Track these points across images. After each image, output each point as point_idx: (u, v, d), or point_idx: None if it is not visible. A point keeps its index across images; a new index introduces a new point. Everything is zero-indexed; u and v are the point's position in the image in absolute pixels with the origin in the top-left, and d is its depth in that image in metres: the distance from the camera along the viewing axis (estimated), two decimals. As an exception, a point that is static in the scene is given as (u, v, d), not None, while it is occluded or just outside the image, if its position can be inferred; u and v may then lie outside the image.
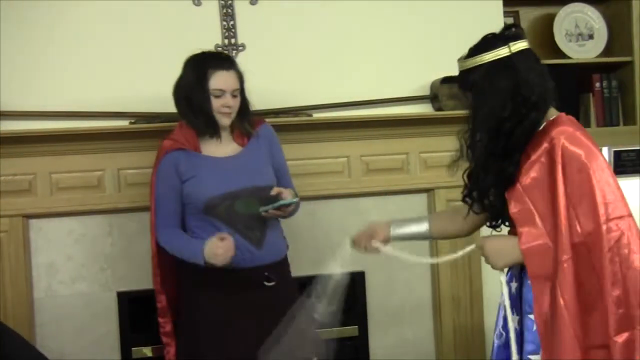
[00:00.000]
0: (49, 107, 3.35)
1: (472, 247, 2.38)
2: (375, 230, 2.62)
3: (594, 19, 4.18)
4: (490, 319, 3.75)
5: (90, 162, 3.40)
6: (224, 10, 3.53)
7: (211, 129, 2.87)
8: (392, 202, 3.70)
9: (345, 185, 3.62)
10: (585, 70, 4.15)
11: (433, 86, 3.65)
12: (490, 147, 2.18)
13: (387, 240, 2.61)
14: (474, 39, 3.80)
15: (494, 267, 2.29)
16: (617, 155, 4.38)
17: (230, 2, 3.53)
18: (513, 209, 2.18)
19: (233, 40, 3.53)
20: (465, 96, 2.29)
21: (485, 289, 3.74)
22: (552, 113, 2.24)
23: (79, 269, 3.46)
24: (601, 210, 2.07)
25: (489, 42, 2.22)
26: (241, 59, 3.52)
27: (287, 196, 2.81)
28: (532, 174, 2.16)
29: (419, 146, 3.67)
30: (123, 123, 3.39)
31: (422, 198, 3.74)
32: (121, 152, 3.40)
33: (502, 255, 2.25)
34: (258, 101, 3.48)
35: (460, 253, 2.43)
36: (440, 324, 3.72)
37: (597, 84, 4.15)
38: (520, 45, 2.19)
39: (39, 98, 3.36)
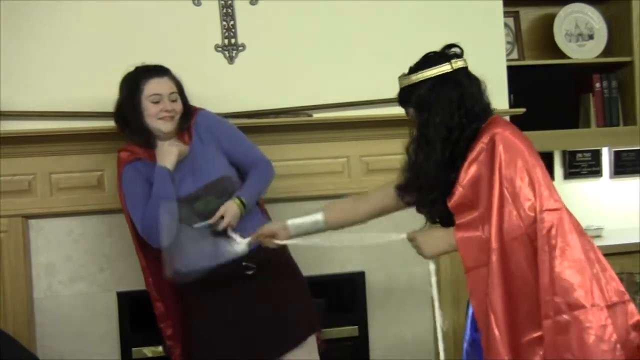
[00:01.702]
0: (49, 107, 3.35)
1: (403, 235, 2.52)
2: (273, 230, 2.70)
3: (594, 19, 4.18)
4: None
5: (90, 162, 3.40)
6: (224, 10, 3.52)
7: (147, 142, 2.90)
8: (392, 202, 3.70)
9: (345, 186, 3.61)
10: (585, 71, 4.15)
11: (433, 86, 3.64)
12: (440, 158, 2.28)
13: (288, 237, 2.69)
14: (475, 39, 3.83)
15: (425, 255, 2.44)
16: (617, 155, 4.39)
17: (230, 2, 3.52)
18: (451, 202, 2.29)
19: (233, 41, 3.53)
20: (407, 112, 2.42)
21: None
22: None
23: (79, 269, 3.46)
24: (537, 202, 2.17)
25: (431, 59, 2.39)
26: (241, 59, 3.53)
27: (227, 216, 2.81)
28: (470, 172, 2.26)
29: (419, 146, 3.66)
30: (123, 123, 3.38)
31: (422, 198, 3.74)
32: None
33: (434, 244, 2.41)
34: (257, 101, 3.50)
35: (387, 239, 2.51)
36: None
37: (597, 84, 4.15)
38: (460, 63, 2.36)
39: (38, 98, 3.36)
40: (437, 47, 3.65)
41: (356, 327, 3.69)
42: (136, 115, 2.85)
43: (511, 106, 3.77)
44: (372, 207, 2.67)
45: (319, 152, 3.58)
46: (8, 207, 3.34)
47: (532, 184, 2.19)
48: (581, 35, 4.16)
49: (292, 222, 2.69)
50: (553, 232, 2.16)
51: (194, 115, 2.98)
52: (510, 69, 3.80)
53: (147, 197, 2.86)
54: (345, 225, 2.70)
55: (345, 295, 3.74)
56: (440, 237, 2.41)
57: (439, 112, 2.27)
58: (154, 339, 3.52)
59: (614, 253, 3.78)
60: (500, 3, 3.77)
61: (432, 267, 2.49)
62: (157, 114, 2.84)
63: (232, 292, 2.87)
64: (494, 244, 2.19)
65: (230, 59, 3.53)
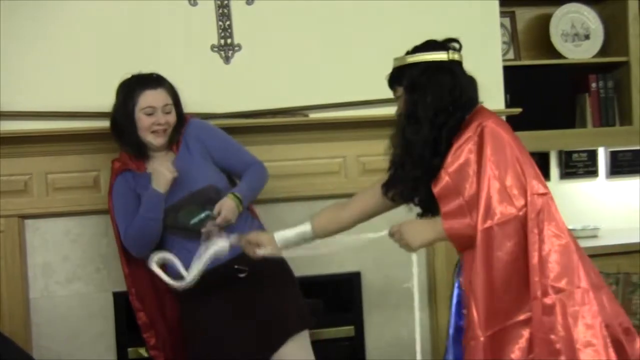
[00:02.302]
0: (45, 107, 3.35)
1: (384, 232, 2.53)
2: (260, 240, 2.69)
3: (590, 19, 4.18)
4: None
5: (86, 162, 3.40)
6: (220, 11, 3.52)
7: (139, 153, 2.92)
8: (388, 202, 3.70)
9: (342, 186, 3.62)
10: (581, 71, 4.16)
11: (429, 86, 3.65)
12: (426, 137, 2.34)
13: (274, 248, 2.68)
14: (471, 39, 3.81)
15: (410, 247, 2.44)
16: (613, 155, 4.39)
17: (226, 2, 3.52)
18: (436, 188, 2.32)
19: (229, 41, 3.53)
20: (395, 92, 2.50)
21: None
22: None
23: (75, 269, 3.46)
24: (527, 186, 2.24)
25: (430, 45, 2.47)
26: (237, 59, 3.53)
27: (229, 216, 2.81)
28: (457, 158, 2.30)
29: (415, 146, 3.66)
30: (119, 123, 3.38)
31: (419, 198, 3.74)
32: (117, 153, 3.39)
33: (419, 232, 2.42)
34: (254, 101, 3.50)
35: (369, 236, 2.53)
36: (437, 323, 3.72)
37: (594, 84, 4.16)
38: (457, 56, 2.46)
39: (35, 98, 3.35)
40: (433, 47, 3.69)
41: (352, 327, 3.69)
42: (129, 127, 2.86)
43: (507, 106, 3.78)
44: (359, 211, 2.70)
45: (315, 153, 3.58)
46: (4, 207, 3.34)
47: (521, 170, 2.25)
48: (577, 36, 4.17)
49: (279, 235, 2.69)
50: (542, 215, 2.23)
51: (184, 126, 2.99)
52: (507, 69, 3.81)
53: (133, 209, 2.89)
54: (334, 233, 2.71)
55: (341, 296, 3.74)
56: (426, 225, 2.44)
57: (430, 94, 2.35)
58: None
59: (610, 253, 3.80)
60: (497, 3, 3.78)
61: (414, 257, 2.51)
62: (150, 127, 2.85)
63: (225, 295, 2.87)
64: (480, 225, 2.23)
65: (227, 59, 3.53)
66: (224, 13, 3.53)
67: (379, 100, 3.61)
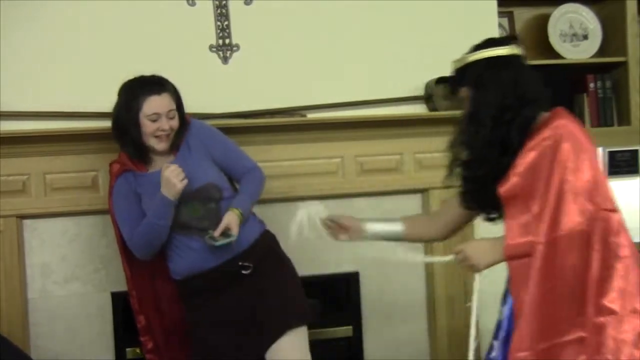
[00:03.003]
0: (43, 107, 3.35)
1: (449, 257, 2.47)
2: (349, 225, 2.68)
3: (588, 19, 4.18)
4: (485, 319, 3.76)
5: (84, 162, 3.40)
6: (218, 11, 3.53)
7: (141, 156, 2.91)
8: (386, 203, 3.71)
9: (340, 186, 3.62)
10: (579, 71, 4.15)
11: (427, 86, 3.65)
12: (489, 136, 2.26)
13: (358, 236, 2.67)
14: (469, 39, 3.81)
15: (476, 268, 2.36)
16: (612, 155, 4.38)
17: (224, 2, 3.52)
18: (503, 189, 2.25)
19: (227, 41, 3.53)
20: (459, 92, 2.40)
21: (481, 289, 3.74)
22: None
23: (73, 269, 3.46)
24: (599, 200, 2.15)
25: (490, 42, 2.39)
26: (235, 59, 3.53)
27: (233, 227, 2.79)
28: (527, 160, 2.22)
29: (413, 146, 3.67)
30: (117, 123, 3.38)
31: (417, 198, 3.75)
32: (115, 153, 3.37)
33: (485, 256, 2.34)
34: (251, 101, 3.50)
35: (435, 259, 2.49)
36: (435, 324, 3.72)
37: (592, 85, 4.15)
38: (518, 50, 2.36)
39: (33, 98, 3.36)
40: (431, 47, 3.70)
41: (350, 327, 3.69)
42: (132, 130, 2.84)
43: (505, 106, 3.77)
44: (445, 222, 2.66)
45: (313, 153, 3.58)
46: (2, 207, 3.34)
47: (595, 183, 2.17)
48: (575, 36, 4.17)
49: (371, 227, 2.69)
50: (608, 232, 2.15)
51: (187, 127, 2.98)
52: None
53: (136, 211, 2.88)
54: (421, 241, 2.70)
55: (339, 296, 3.74)
56: (491, 246, 2.35)
57: (492, 91, 2.28)
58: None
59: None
60: (495, 3, 3.78)
61: (477, 277, 2.43)
62: (154, 132, 2.83)
63: (230, 292, 2.88)
64: (545, 237, 2.16)
65: (225, 59, 3.53)
66: (222, 13, 3.53)
67: (377, 101, 3.62)
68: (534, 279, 2.16)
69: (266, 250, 2.98)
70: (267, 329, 2.86)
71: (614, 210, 2.19)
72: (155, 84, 2.87)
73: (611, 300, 2.12)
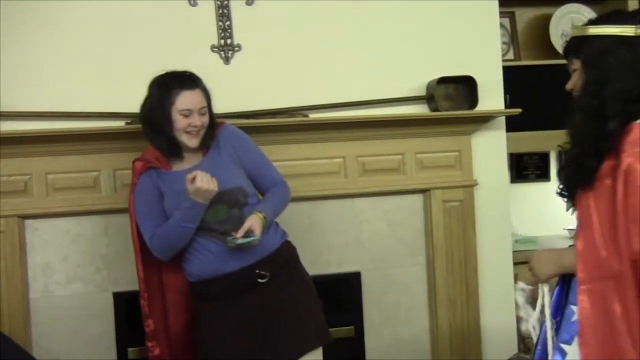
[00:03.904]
0: (45, 107, 3.35)
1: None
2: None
3: (590, 19, 4.18)
4: (486, 319, 3.76)
5: (86, 162, 3.40)
6: (220, 11, 3.53)
7: (173, 151, 2.88)
8: (388, 203, 3.71)
9: (341, 186, 3.62)
10: (581, 71, 4.14)
11: (429, 87, 3.65)
12: (604, 131, 2.09)
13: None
14: (470, 39, 3.83)
15: (538, 277, 2.27)
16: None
17: (226, 2, 3.53)
18: (578, 213, 2.15)
19: (229, 41, 3.53)
20: (571, 63, 2.24)
21: (482, 289, 3.75)
22: None
23: (75, 269, 3.46)
24: None
25: (618, 16, 2.14)
26: (237, 60, 3.53)
27: (256, 229, 2.75)
28: (606, 181, 2.07)
29: (415, 146, 3.67)
30: (119, 124, 3.38)
31: (418, 198, 3.75)
32: (117, 153, 3.40)
33: (547, 265, 2.25)
34: (253, 102, 3.50)
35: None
36: (436, 323, 3.72)
37: (593, 85, 4.14)
38: None
39: (34, 98, 3.36)
40: (432, 47, 3.70)
41: (352, 327, 3.69)
42: (165, 125, 2.81)
43: (507, 106, 3.78)
44: None
45: (315, 153, 3.58)
46: (4, 208, 3.34)
47: None
48: (577, 36, 4.16)
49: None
50: None
51: (217, 130, 2.95)
52: (506, 70, 3.81)
53: (157, 209, 2.85)
54: None
55: (341, 296, 3.74)
56: (551, 258, 2.26)
57: (609, 74, 2.08)
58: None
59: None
60: (496, 3, 3.78)
61: (545, 288, 2.31)
62: (185, 128, 2.80)
63: (245, 299, 2.83)
64: (621, 259, 2.02)
65: (226, 59, 3.53)
66: (223, 13, 3.53)
67: (379, 101, 3.61)
68: (622, 300, 2.05)
69: (285, 260, 2.93)
70: (286, 345, 2.82)
71: None
72: (188, 80, 2.86)
73: None
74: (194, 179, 2.68)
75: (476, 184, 3.72)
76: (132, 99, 3.40)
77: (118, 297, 3.48)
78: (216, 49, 3.53)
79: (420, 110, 3.69)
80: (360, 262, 3.69)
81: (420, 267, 3.76)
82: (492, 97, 3.71)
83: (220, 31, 3.53)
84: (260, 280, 2.83)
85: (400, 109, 3.66)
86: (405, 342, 3.77)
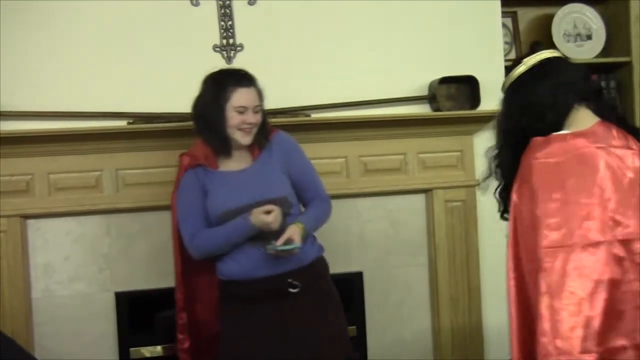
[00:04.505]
0: (47, 107, 3.35)
1: None
2: None
3: (592, 19, 4.18)
4: (488, 319, 3.76)
5: (88, 162, 3.40)
6: (222, 11, 3.53)
7: (224, 148, 2.85)
8: (390, 203, 3.70)
9: (344, 186, 3.62)
10: (583, 71, 4.14)
11: (431, 86, 3.65)
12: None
13: None
14: (472, 38, 3.83)
15: None
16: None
17: (228, 2, 3.52)
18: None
19: (231, 41, 3.53)
20: None
21: (484, 289, 3.75)
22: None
23: (77, 269, 3.46)
24: (541, 237, 2.06)
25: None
26: (239, 60, 3.53)
27: (296, 239, 2.75)
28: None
29: (417, 146, 3.67)
30: (121, 123, 3.38)
31: (421, 198, 3.74)
32: (119, 153, 3.40)
33: None
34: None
35: None
36: (439, 323, 3.72)
37: (596, 85, 4.15)
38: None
39: (36, 98, 3.35)
40: (434, 47, 3.70)
41: (354, 327, 3.68)
42: (219, 122, 2.80)
43: (509, 106, 3.77)
44: None
45: (317, 153, 3.57)
46: (6, 207, 3.34)
47: (544, 215, 2.08)
48: (579, 36, 4.16)
49: None
50: (555, 272, 2.03)
51: (271, 135, 2.95)
52: (508, 70, 3.79)
53: (198, 207, 2.84)
54: None
55: (343, 295, 3.71)
56: None
57: None
58: (152, 339, 3.53)
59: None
60: (498, 3, 3.78)
61: None
62: (239, 125, 2.80)
63: (272, 306, 2.81)
64: (511, 273, 2.21)
65: (229, 59, 3.53)
66: (226, 13, 3.53)
67: (380, 101, 3.61)
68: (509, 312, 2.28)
69: (318, 274, 2.92)
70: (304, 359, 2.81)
71: (564, 246, 2.07)
72: (244, 77, 2.86)
73: (564, 340, 2.05)
74: (269, 212, 2.70)
75: (478, 184, 3.71)
76: (134, 99, 3.43)
77: (120, 297, 3.48)
78: (218, 49, 3.53)
79: (422, 110, 3.69)
80: (362, 261, 3.69)
81: (423, 267, 3.76)
82: (494, 97, 3.65)
83: (222, 31, 3.53)
84: (291, 290, 2.81)
85: (402, 109, 3.66)
86: (408, 342, 3.77)
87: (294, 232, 2.76)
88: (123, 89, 3.42)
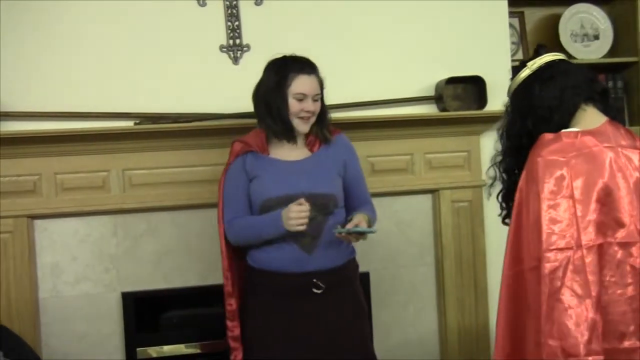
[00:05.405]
0: (54, 107, 3.35)
1: None
2: None
3: (599, 19, 4.17)
4: (495, 319, 3.75)
5: (95, 162, 3.40)
6: (229, 11, 3.53)
7: (287, 134, 2.84)
8: (396, 203, 3.70)
9: (350, 186, 3.61)
10: (590, 71, 4.14)
11: (438, 87, 3.65)
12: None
13: None
14: (479, 39, 3.82)
15: None
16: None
17: (235, 2, 3.52)
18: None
19: (238, 41, 3.53)
20: None
21: (490, 290, 3.74)
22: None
23: (84, 269, 3.47)
24: (543, 237, 2.04)
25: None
26: (246, 60, 3.53)
27: (364, 225, 2.73)
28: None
29: (423, 147, 3.67)
30: (128, 124, 3.39)
31: (427, 199, 3.74)
32: (126, 153, 3.40)
33: None
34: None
35: None
36: (445, 324, 3.72)
37: (603, 85, 4.14)
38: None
39: (44, 98, 3.36)
40: (441, 47, 3.69)
41: (360, 327, 3.69)
42: (282, 107, 2.79)
43: (516, 107, 3.76)
44: None
45: (323, 153, 3.58)
46: (13, 208, 3.35)
47: (546, 218, 2.06)
48: (586, 36, 4.15)
49: None
50: (559, 273, 2.01)
51: (334, 134, 2.95)
52: (515, 70, 3.78)
53: (242, 195, 2.84)
54: None
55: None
56: None
57: None
58: (158, 340, 3.53)
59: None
60: (505, 3, 3.77)
61: None
62: (298, 113, 2.80)
63: (295, 305, 2.79)
64: (507, 270, 2.14)
65: (235, 60, 3.53)
66: (232, 13, 3.53)
67: (388, 101, 3.61)
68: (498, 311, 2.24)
69: (344, 278, 2.89)
70: None
71: (565, 249, 2.05)
72: (306, 65, 2.86)
73: (567, 342, 2.04)
74: (299, 204, 2.68)
75: (485, 184, 3.71)
76: (141, 99, 3.43)
77: (127, 297, 3.48)
78: (225, 49, 3.53)
79: (429, 110, 3.68)
80: (368, 262, 3.68)
81: (429, 268, 3.75)
82: (501, 97, 3.65)
83: (229, 31, 3.53)
84: (315, 290, 2.79)
85: (409, 109, 3.65)
86: (414, 343, 3.77)
87: (361, 219, 2.75)
88: (129, 89, 3.42)
